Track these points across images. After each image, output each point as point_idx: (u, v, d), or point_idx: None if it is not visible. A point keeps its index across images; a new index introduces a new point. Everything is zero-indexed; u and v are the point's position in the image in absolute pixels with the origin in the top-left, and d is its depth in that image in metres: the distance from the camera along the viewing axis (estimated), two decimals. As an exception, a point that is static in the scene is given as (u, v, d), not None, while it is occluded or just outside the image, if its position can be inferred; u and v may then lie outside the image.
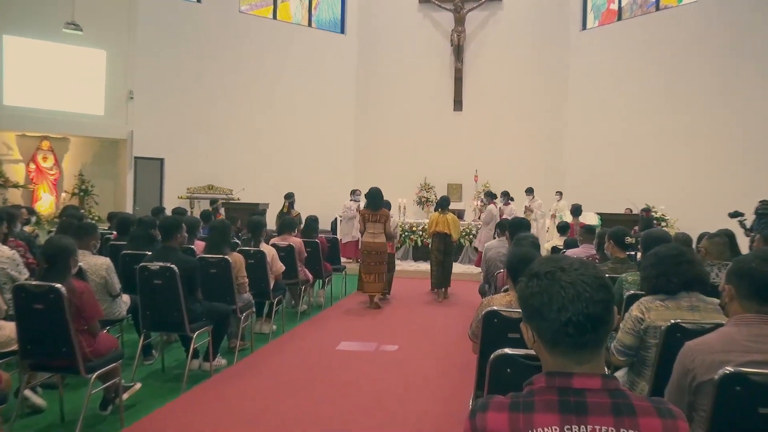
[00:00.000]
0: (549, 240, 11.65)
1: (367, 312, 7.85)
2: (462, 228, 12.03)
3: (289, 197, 10.42)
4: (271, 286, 6.06)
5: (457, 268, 11.21)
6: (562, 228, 8.06)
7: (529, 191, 12.38)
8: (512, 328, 2.78)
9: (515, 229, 5.06)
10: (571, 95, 15.15)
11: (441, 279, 8.83)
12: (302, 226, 8.46)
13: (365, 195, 8.22)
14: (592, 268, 1.27)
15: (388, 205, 8.26)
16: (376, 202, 8.03)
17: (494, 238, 7.75)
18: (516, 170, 15.09)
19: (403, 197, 13.06)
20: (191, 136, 14.36)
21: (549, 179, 14.80)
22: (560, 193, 12.96)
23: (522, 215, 10.52)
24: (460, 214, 12.91)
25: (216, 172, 14.35)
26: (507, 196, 11.54)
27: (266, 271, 5.96)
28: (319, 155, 15.28)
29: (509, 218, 8.78)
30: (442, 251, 8.88)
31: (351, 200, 11.91)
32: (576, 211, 10.22)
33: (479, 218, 11.47)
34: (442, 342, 6.30)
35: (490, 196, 11.15)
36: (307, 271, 7.24)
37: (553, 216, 12.37)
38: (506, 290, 3.33)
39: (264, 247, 6.16)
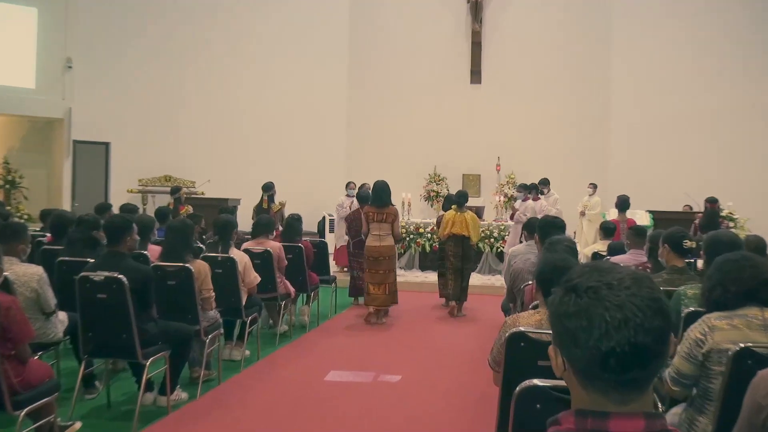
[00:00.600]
0: (581, 241, 11.78)
1: (363, 332, 7.96)
2: (482, 229, 12.05)
3: (268, 189, 10.48)
4: (244, 302, 6.10)
5: (475, 279, 11.35)
6: (607, 229, 8.11)
7: (543, 183, 12.30)
8: (543, 354, 2.70)
9: (547, 230, 5.04)
10: (615, 64, 15.20)
11: (458, 291, 9.04)
12: (282, 227, 8.51)
13: (371, 190, 8.48)
14: (647, 287, 1.26)
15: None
16: (382, 198, 8.22)
17: (520, 241, 7.87)
18: (547, 158, 15.14)
19: (408, 191, 13.11)
20: (144, 115, 14.40)
21: (588, 169, 14.91)
22: (594, 186, 12.96)
23: (549, 212, 10.66)
24: (478, 212, 12.82)
25: (175, 160, 14.43)
26: (535, 189, 11.67)
27: (237, 282, 5.99)
28: (304, 140, 15.36)
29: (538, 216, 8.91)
30: (460, 257, 9.04)
31: (346, 195, 12.00)
32: (622, 205, 10.14)
33: (511, 217, 11.48)
34: (455, 370, 6.34)
35: (528, 189, 11.23)
36: (288, 283, 7.30)
37: (582, 214, 12.38)
38: (536, 307, 3.36)
39: (235, 252, 6.20)
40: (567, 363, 1.29)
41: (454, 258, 9.10)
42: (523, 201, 11.13)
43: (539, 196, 11.68)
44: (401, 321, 8.69)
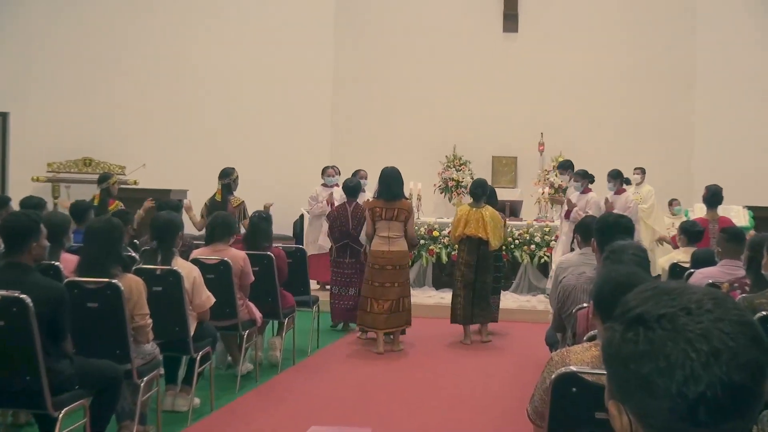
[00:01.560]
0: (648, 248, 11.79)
1: (356, 373, 7.98)
2: (519, 231, 12.16)
3: (225, 176, 10.34)
4: (192, 332, 6.10)
5: (510, 300, 11.34)
6: (692, 232, 8.12)
7: (565, 166, 12.25)
8: (602, 403, 2.82)
9: (607, 232, 5.07)
10: (701, 13, 15.19)
11: (471, 310, 9.27)
12: (246, 222, 8.53)
13: (379, 179, 8.75)
14: (733, 309, 1.27)
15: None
16: (392, 189, 8.50)
17: (572, 249, 7.92)
18: (609, 135, 15.11)
19: (418, 180, 13.15)
20: (56, 77, 14.38)
21: (665, 150, 14.88)
22: (641, 171, 12.99)
23: (630, 207, 10.75)
24: (514, 209, 13.02)
25: (97, 138, 14.44)
26: (618, 177, 11.43)
27: (183, 305, 5.99)
28: (274, 112, 15.35)
29: (593, 214, 8.83)
30: (472, 266, 9.24)
31: (322, 185, 12.01)
32: (713, 199, 9.86)
33: (566, 216, 11.32)
34: (481, 426, 6.33)
35: (587, 177, 11.31)
36: (253, 307, 7.32)
37: (570, 212, 12.08)
38: (593, 339, 3.39)
39: (180, 264, 6.20)
40: (637, 421, 1.30)
41: (465, 267, 9.28)
42: (582, 193, 11.17)
43: (624, 186, 11.57)
44: (408, 356, 8.76)
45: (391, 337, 8.88)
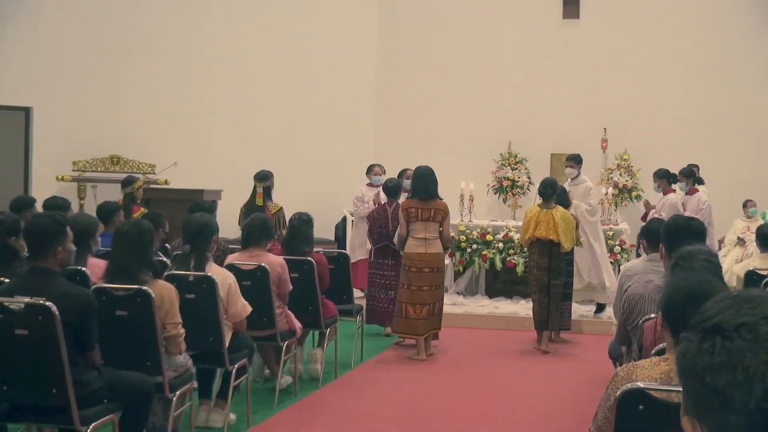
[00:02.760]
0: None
1: (404, 387, 8.04)
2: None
3: (263, 179, 10.49)
4: (227, 343, 6.10)
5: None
6: (764, 237, 8.10)
7: (574, 161, 11.76)
8: (675, 422, 2.79)
9: (677, 237, 5.05)
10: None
11: (547, 315, 9.54)
12: (284, 231, 8.57)
13: (412, 178, 9.07)
14: None
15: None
16: (429, 188, 8.76)
17: (638, 255, 7.95)
18: (677, 130, 14.99)
19: (470, 180, 13.01)
20: (82, 69, 14.54)
21: (740, 146, 14.75)
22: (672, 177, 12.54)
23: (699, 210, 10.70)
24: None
25: (125, 135, 14.54)
26: (692, 176, 11.50)
27: (217, 314, 6.00)
28: (314, 109, 15.36)
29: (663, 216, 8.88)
30: (545, 269, 9.49)
31: (368, 185, 12.08)
32: None
33: (642, 219, 11.33)
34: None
35: (667, 178, 11.29)
36: (292, 316, 7.33)
37: (648, 215, 11.83)
38: (661, 352, 3.38)
39: (214, 270, 6.21)
40: None
41: (538, 270, 9.54)
42: (664, 194, 11.11)
43: (696, 186, 11.52)
44: (459, 370, 8.81)
45: (426, 344, 9.13)
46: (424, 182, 8.81)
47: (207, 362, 6.14)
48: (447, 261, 10.44)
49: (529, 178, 15.05)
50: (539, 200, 9.82)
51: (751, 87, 15.17)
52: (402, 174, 11.68)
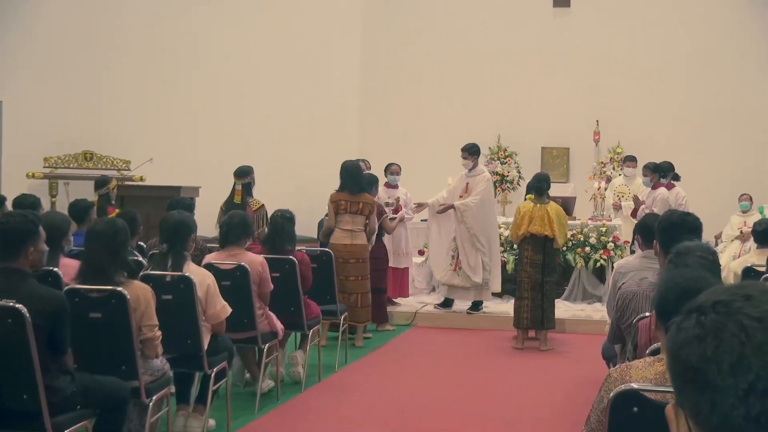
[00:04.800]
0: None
1: (390, 390, 8.06)
2: (572, 232, 11.98)
3: (243, 175, 10.51)
4: (206, 346, 6.11)
5: (561, 308, 11.26)
6: (765, 233, 8.01)
7: (469, 151, 11.36)
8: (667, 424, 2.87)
9: (672, 233, 5.06)
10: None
11: (542, 314, 9.74)
12: (265, 229, 8.61)
13: (340, 173, 9.70)
14: None
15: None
16: (359, 182, 9.63)
17: (632, 251, 8.05)
18: (671, 123, 15.06)
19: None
20: (54, 62, 14.49)
21: (735, 140, 14.82)
22: (631, 161, 12.88)
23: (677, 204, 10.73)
24: (567, 206, 12.57)
25: (98, 131, 14.51)
26: (665, 171, 11.59)
27: (195, 315, 6.00)
28: (296, 101, 15.35)
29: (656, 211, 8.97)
30: (539, 265, 9.73)
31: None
32: None
33: (632, 215, 11.49)
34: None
35: (659, 171, 11.38)
36: (273, 317, 7.34)
37: (638, 210, 11.98)
38: (656, 352, 3.39)
39: (192, 270, 6.20)
40: (693, 425, 1.29)
41: (531, 267, 9.74)
42: (652, 189, 11.23)
43: (673, 182, 11.62)
44: (449, 370, 8.87)
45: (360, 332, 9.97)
46: (354, 177, 9.58)
47: (185, 366, 6.11)
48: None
49: (519, 172, 15.16)
50: (530, 196, 10.01)
51: (746, 79, 15.27)
52: (387, 168, 11.93)
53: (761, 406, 1.18)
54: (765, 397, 1.18)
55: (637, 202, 11.56)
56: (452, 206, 11.09)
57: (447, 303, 11.58)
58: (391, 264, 11.36)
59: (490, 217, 11.29)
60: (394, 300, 11.80)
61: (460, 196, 11.15)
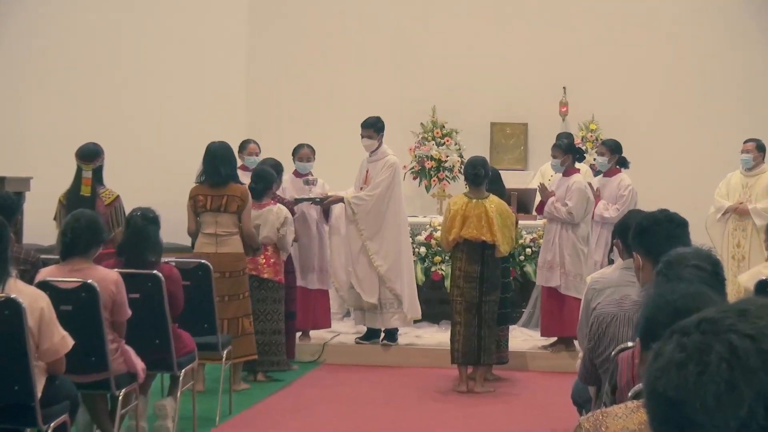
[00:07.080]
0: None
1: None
2: (531, 236, 11.93)
3: (91, 156, 10.08)
4: (39, 392, 5.88)
5: (518, 337, 11.11)
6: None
7: (372, 128, 11.42)
8: None
9: (658, 236, 5.06)
10: None
11: (477, 343, 9.36)
12: (121, 230, 8.53)
13: (203, 159, 9.19)
14: None
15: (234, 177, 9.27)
16: (219, 170, 8.96)
17: (609, 261, 8.27)
18: (656, 92, 14.85)
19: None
20: None
21: (731, 114, 14.57)
22: (609, 147, 12.28)
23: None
24: (525, 200, 12.55)
25: None
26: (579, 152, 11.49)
27: (25, 352, 5.80)
28: (164, 67, 14.96)
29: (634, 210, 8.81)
30: (475, 279, 9.33)
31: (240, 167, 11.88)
32: None
33: (537, 210, 11.42)
34: None
35: (571, 152, 11.05)
36: (131, 353, 7.10)
37: (545, 205, 11.76)
38: (641, 395, 3.67)
39: (21, 289, 5.96)
40: None
41: (465, 282, 9.35)
42: (564, 176, 10.74)
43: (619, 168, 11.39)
44: (361, 426, 8.75)
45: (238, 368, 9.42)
46: (214, 163, 8.93)
47: (11, 420, 5.93)
48: None
49: (461, 156, 14.37)
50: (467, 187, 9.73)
51: (745, 43, 15.23)
52: (296, 151, 11.56)
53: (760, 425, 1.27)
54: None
55: (544, 192, 10.91)
56: (341, 199, 10.79)
57: (371, 334, 11.08)
58: (299, 283, 10.99)
59: (396, 217, 10.93)
60: (307, 332, 11.43)
61: (360, 188, 10.85)
